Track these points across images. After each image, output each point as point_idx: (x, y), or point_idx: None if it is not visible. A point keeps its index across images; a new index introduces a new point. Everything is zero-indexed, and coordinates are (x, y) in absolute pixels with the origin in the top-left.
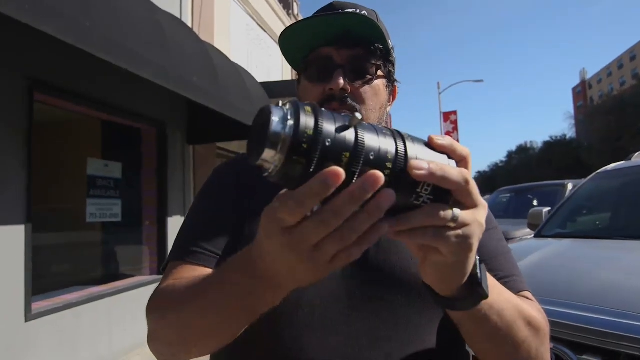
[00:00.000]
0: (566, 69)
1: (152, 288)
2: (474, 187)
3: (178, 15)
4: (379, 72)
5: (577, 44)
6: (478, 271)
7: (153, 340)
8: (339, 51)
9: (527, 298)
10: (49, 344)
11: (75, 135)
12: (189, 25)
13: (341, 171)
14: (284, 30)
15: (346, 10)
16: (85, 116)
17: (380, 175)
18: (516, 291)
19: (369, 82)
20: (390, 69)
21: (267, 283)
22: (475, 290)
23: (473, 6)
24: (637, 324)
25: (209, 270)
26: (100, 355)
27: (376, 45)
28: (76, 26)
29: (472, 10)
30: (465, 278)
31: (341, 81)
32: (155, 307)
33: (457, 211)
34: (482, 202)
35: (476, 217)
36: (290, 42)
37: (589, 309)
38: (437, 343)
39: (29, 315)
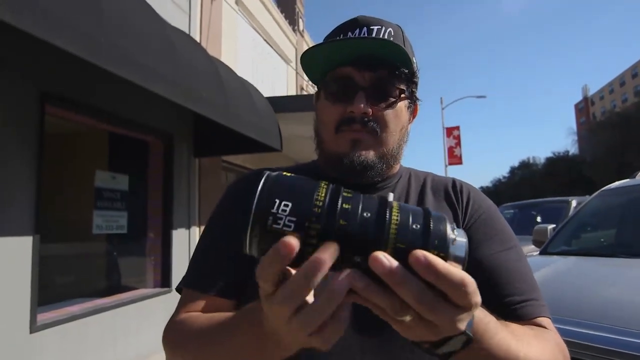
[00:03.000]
0: (568, 85)
1: (156, 300)
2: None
3: (187, 31)
4: (402, 95)
5: (580, 61)
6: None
7: None
8: (361, 72)
9: (543, 326)
10: (53, 356)
11: (83, 147)
12: (197, 40)
13: (290, 242)
14: (306, 50)
15: (371, 28)
16: (94, 128)
17: (324, 259)
18: (532, 317)
19: (391, 105)
20: (413, 89)
21: (274, 340)
22: (456, 337)
23: (475, 22)
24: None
25: (222, 302)
26: None
27: (401, 69)
28: (90, 41)
29: (473, 26)
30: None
31: (362, 105)
32: (173, 343)
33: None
34: (475, 302)
35: (453, 319)
36: (312, 61)
37: (593, 327)
38: None
39: (34, 327)
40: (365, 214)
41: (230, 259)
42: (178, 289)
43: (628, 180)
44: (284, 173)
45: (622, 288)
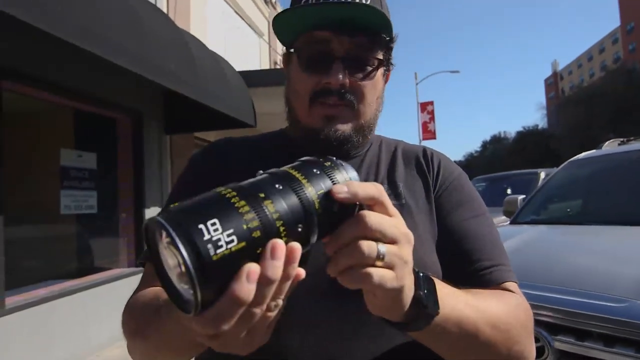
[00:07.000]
0: (539, 61)
1: (128, 281)
2: (388, 201)
3: (152, 1)
4: (380, 63)
5: (550, 37)
6: (421, 292)
7: (129, 352)
8: (339, 38)
9: (508, 290)
10: (23, 340)
11: (47, 125)
12: (164, 11)
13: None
14: (279, 13)
15: None
16: (58, 105)
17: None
18: (500, 282)
19: (369, 75)
20: (389, 56)
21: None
22: (422, 312)
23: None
24: (607, 304)
25: None
26: (77, 350)
27: (381, 36)
28: (49, 12)
29: (448, 2)
30: (408, 305)
31: (340, 76)
32: (125, 322)
33: (382, 247)
34: (405, 232)
35: (402, 254)
36: (286, 26)
37: (562, 291)
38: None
39: (3, 311)
40: (289, 201)
41: None
42: (140, 264)
43: (594, 151)
44: (171, 205)
45: (590, 254)
